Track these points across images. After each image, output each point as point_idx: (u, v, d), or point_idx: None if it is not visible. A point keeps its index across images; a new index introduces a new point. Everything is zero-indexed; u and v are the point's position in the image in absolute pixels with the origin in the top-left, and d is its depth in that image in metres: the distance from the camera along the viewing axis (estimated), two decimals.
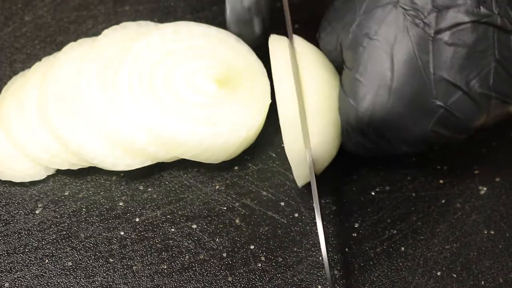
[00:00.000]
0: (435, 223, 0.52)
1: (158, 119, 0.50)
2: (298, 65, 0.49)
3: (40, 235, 0.50)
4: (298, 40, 0.51)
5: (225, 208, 0.52)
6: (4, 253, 0.50)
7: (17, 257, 0.50)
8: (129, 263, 0.49)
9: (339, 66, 0.49)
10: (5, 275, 0.49)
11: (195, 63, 0.53)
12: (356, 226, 0.51)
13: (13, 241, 0.50)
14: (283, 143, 0.54)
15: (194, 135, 0.50)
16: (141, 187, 0.53)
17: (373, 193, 0.53)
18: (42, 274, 0.49)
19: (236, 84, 0.53)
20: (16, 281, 0.49)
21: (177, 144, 0.50)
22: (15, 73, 0.57)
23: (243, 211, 0.52)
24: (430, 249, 0.51)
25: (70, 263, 0.49)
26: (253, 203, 0.52)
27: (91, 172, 0.53)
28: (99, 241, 0.50)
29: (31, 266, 0.49)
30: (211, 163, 0.52)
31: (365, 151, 0.49)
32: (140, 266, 0.49)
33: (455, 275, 0.50)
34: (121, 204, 0.52)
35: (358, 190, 0.53)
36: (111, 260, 0.49)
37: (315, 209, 0.48)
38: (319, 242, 0.50)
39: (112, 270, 0.49)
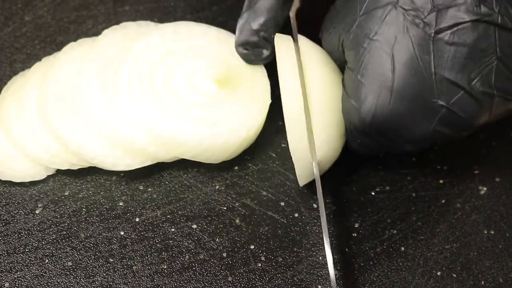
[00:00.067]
0: (435, 223, 0.52)
1: (158, 119, 0.50)
2: (303, 65, 0.49)
3: (40, 235, 0.50)
4: (302, 40, 0.51)
5: (225, 208, 0.52)
6: (4, 253, 0.50)
7: (17, 257, 0.50)
8: (129, 263, 0.49)
9: (341, 65, 0.49)
10: (5, 275, 0.49)
11: (195, 63, 0.53)
12: (356, 226, 0.51)
13: (13, 241, 0.50)
14: (283, 143, 0.54)
15: (194, 135, 0.50)
16: (141, 187, 0.53)
17: (373, 193, 0.53)
18: (42, 274, 0.49)
19: (236, 84, 0.53)
20: (16, 281, 0.49)
21: (177, 144, 0.50)
22: (15, 73, 0.57)
23: (243, 211, 0.52)
24: (430, 249, 0.51)
25: (70, 263, 0.49)
26: (253, 203, 0.52)
27: (91, 172, 0.53)
28: (99, 241, 0.50)
29: (31, 266, 0.49)
30: (211, 163, 0.52)
31: (369, 150, 0.49)
32: (140, 266, 0.49)
33: (455, 275, 0.50)
34: (121, 204, 0.52)
35: (358, 190, 0.53)
36: (111, 260, 0.49)
37: (320, 209, 0.48)
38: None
39: (112, 270, 0.49)
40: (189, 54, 0.53)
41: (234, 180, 0.53)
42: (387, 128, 0.46)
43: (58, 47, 0.57)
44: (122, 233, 0.51)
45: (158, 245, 0.50)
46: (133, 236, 0.50)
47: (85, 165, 0.52)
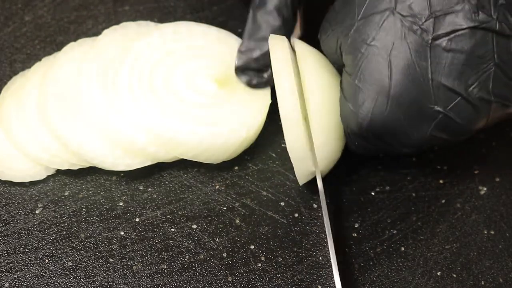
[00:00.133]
0: (435, 223, 0.52)
1: (158, 119, 0.50)
2: (300, 68, 0.49)
3: (40, 235, 0.50)
4: (297, 42, 0.51)
5: (225, 208, 0.52)
6: (4, 253, 0.50)
7: (17, 257, 0.50)
8: (129, 263, 0.49)
9: (339, 68, 0.49)
10: (5, 275, 0.49)
11: (195, 63, 0.53)
12: (356, 226, 0.51)
13: (13, 241, 0.50)
14: (283, 143, 0.54)
15: (194, 135, 0.50)
16: (141, 187, 0.53)
17: (373, 193, 0.53)
18: (42, 274, 0.49)
19: (236, 84, 0.53)
20: (16, 281, 0.49)
21: (177, 144, 0.50)
22: (15, 73, 0.57)
23: (243, 211, 0.52)
24: (430, 249, 0.51)
25: (70, 263, 0.49)
26: (253, 203, 0.52)
27: (91, 172, 0.53)
28: (99, 241, 0.50)
29: (31, 266, 0.49)
30: (211, 163, 0.52)
31: (367, 152, 0.49)
32: (140, 266, 0.49)
33: (455, 275, 0.50)
34: (121, 204, 0.52)
35: (358, 190, 0.53)
36: (111, 260, 0.49)
37: (322, 210, 0.48)
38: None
39: (112, 270, 0.49)
40: (189, 54, 0.54)
41: (234, 180, 0.53)
42: (384, 133, 0.46)
43: (58, 47, 0.57)
44: (122, 233, 0.51)
45: (158, 245, 0.50)
46: (133, 236, 0.50)
47: (85, 165, 0.52)
